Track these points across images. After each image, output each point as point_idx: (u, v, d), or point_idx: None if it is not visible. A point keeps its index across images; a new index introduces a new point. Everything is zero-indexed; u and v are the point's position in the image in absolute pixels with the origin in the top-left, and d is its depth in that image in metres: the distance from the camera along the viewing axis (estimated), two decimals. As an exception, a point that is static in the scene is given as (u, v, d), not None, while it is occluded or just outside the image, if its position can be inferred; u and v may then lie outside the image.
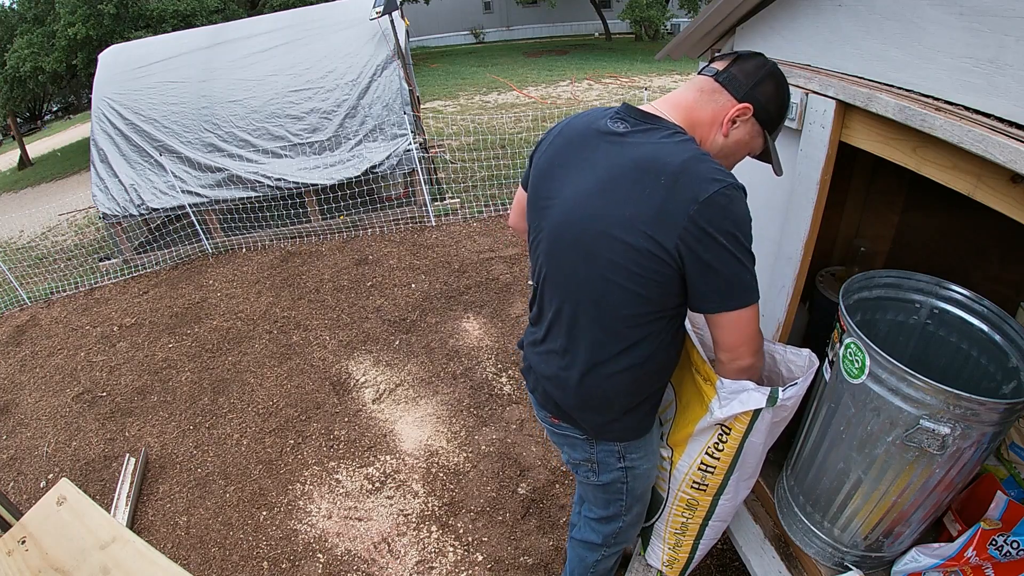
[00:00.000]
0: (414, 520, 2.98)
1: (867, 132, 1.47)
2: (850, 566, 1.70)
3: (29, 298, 6.13)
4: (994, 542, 1.45)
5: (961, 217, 2.02)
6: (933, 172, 1.28)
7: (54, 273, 6.56)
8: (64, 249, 7.60)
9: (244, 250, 6.40)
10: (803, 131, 1.67)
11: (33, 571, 0.87)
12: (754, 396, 1.62)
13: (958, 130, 1.13)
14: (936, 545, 1.60)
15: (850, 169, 2.22)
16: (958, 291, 1.65)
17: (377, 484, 3.23)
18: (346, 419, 3.72)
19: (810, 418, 1.81)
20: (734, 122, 1.37)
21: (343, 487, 3.24)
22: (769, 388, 1.61)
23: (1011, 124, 1.08)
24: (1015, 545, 1.41)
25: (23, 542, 0.92)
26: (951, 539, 1.58)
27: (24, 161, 16.47)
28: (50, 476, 3.63)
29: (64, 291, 6.17)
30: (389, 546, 2.88)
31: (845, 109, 1.52)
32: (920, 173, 1.32)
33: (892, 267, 1.77)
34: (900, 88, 1.34)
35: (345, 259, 5.86)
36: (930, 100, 1.25)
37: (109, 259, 6.60)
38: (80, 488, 3.40)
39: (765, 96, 1.36)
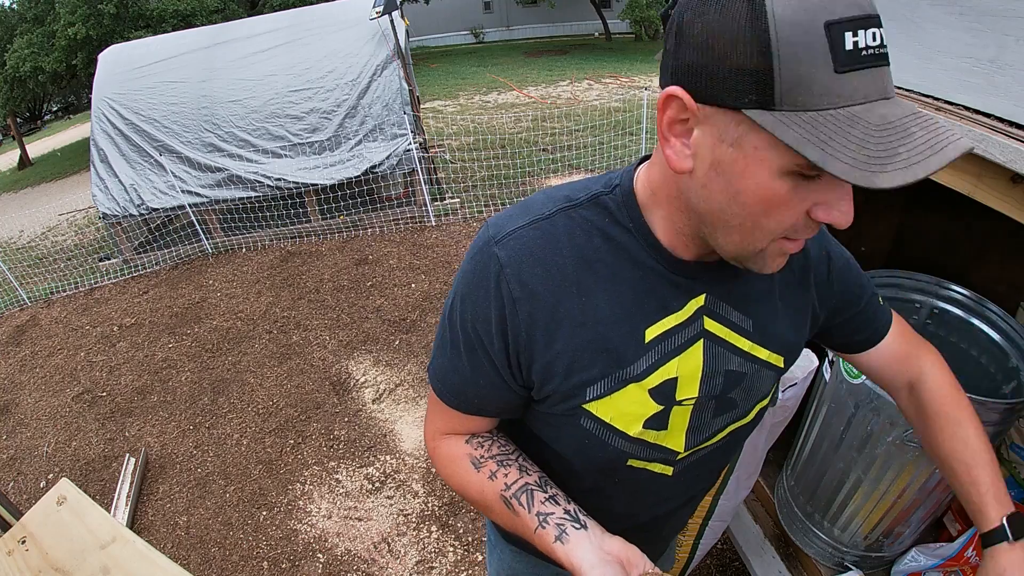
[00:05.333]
0: (414, 520, 2.98)
1: (867, 132, 1.46)
2: (850, 566, 1.70)
3: (29, 298, 6.13)
4: (994, 542, 1.45)
5: (961, 217, 2.02)
6: (933, 172, 1.28)
7: (54, 273, 6.57)
8: (64, 249, 7.60)
9: (244, 250, 6.40)
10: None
11: (33, 571, 0.88)
12: (754, 396, 1.63)
13: (958, 130, 1.13)
14: (936, 545, 1.60)
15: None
16: (958, 291, 1.65)
17: (377, 484, 3.23)
18: (346, 419, 3.72)
19: (810, 418, 1.81)
20: (669, 138, 0.67)
21: (343, 487, 3.24)
22: (769, 387, 1.61)
23: (1011, 124, 1.08)
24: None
25: (23, 542, 0.92)
26: (951, 539, 1.59)
27: (24, 161, 16.47)
28: (50, 476, 3.63)
29: (64, 291, 6.17)
30: (389, 546, 2.88)
31: (845, 109, 1.52)
32: (920, 173, 1.32)
33: (892, 267, 1.77)
34: (900, 88, 1.34)
35: (345, 259, 5.86)
36: (930, 100, 1.25)
37: (109, 259, 6.59)
38: (80, 488, 3.40)
39: (698, 50, 0.60)
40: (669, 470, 0.91)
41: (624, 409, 0.82)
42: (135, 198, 6.19)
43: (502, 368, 0.83)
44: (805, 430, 1.84)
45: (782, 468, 2.06)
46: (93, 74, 6.59)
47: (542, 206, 0.81)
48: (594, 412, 0.83)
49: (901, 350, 1.04)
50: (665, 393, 0.82)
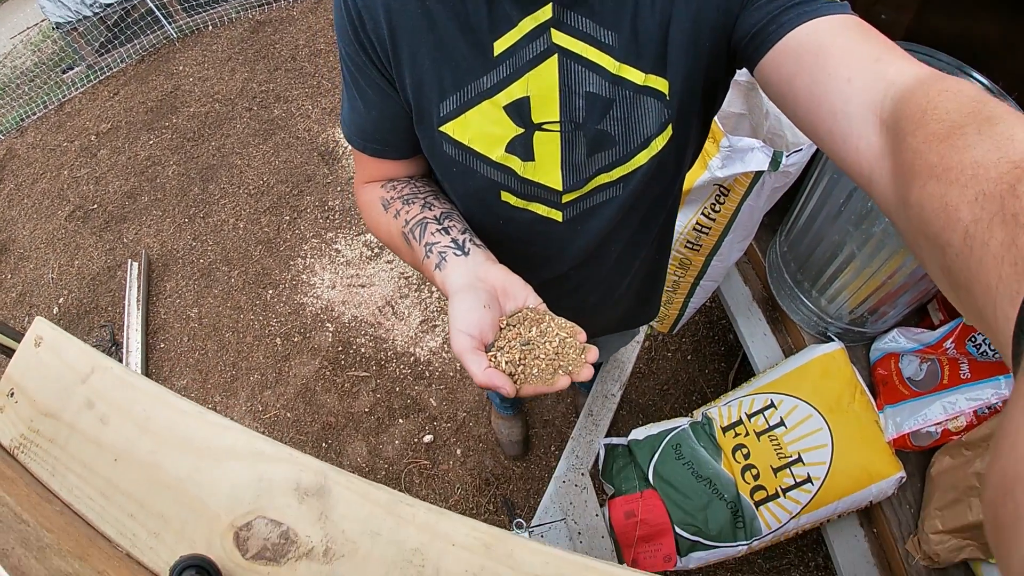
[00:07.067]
0: (415, 282, 3.07)
1: None
2: (832, 337, 1.72)
3: (1, 132, 5.80)
4: (973, 339, 1.42)
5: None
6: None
7: (19, 99, 6.12)
8: (25, 72, 7.01)
9: (210, 27, 5.86)
10: None
11: (25, 421, 0.88)
12: (757, 157, 1.53)
13: None
14: (917, 330, 1.59)
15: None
16: (980, 80, 1.47)
17: (376, 250, 3.26)
18: (338, 188, 3.65)
19: (810, 186, 1.72)
20: None
21: (343, 256, 3.28)
22: (773, 150, 1.53)
23: None
24: (994, 347, 1.42)
25: (12, 394, 0.92)
26: (932, 327, 1.57)
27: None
28: (60, 300, 3.69)
29: (34, 114, 5.80)
30: (393, 308, 2.99)
31: None
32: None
33: (912, 40, 1.57)
34: None
35: (320, 20, 5.36)
36: None
37: (72, 69, 6.10)
38: (91, 302, 3.48)
39: None
40: (558, 215, 0.88)
41: (481, 129, 0.79)
42: (83, -7, 5.54)
43: (381, 83, 0.81)
44: (804, 198, 1.77)
45: (776, 233, 2.03)
46: None
47: None
48: (451, 135, 0.80)
49: (856, 49, 0.59)
50: (521, 112, 0.78)
